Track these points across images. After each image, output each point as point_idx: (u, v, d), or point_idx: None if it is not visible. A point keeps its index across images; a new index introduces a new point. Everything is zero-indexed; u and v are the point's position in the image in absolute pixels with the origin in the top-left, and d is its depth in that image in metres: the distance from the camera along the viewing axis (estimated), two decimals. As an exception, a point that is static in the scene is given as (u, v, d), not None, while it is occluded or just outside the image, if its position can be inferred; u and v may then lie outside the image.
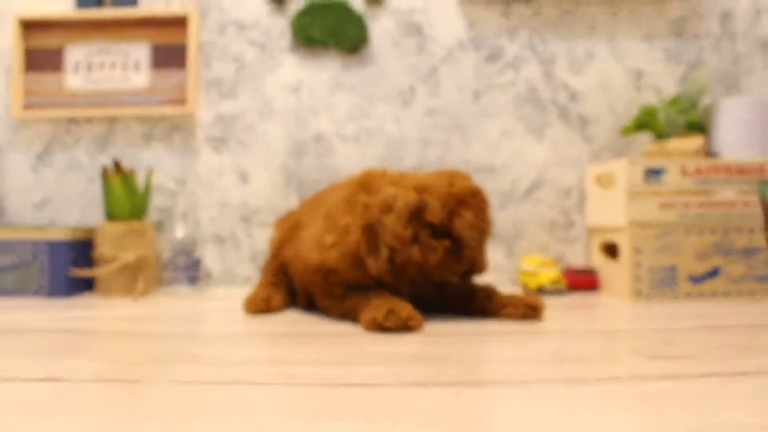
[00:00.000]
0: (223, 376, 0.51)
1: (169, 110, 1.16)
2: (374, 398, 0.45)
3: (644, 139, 1.16)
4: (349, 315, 0.78)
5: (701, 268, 0.97)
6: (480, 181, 1.17)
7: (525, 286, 1.09)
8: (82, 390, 0.48)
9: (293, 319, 0.81)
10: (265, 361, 0.57)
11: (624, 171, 0.98)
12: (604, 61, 1.19)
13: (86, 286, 1.08)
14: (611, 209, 1.03)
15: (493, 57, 1.18)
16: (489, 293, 0.82)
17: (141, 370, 0.54)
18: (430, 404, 0.44)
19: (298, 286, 0.89)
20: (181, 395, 0.46)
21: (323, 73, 1.18)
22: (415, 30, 1.18)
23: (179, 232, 1.10)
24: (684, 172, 0.98)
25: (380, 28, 1.18)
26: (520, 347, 0.63)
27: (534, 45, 1.19)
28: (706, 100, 1.10)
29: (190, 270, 1.09)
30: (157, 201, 1.18)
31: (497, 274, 1.15)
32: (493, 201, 1.16)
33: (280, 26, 1.19)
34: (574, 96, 1.18)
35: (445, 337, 0.69)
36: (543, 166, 1.17)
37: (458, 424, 0.39)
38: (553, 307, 0.92)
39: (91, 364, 0.56)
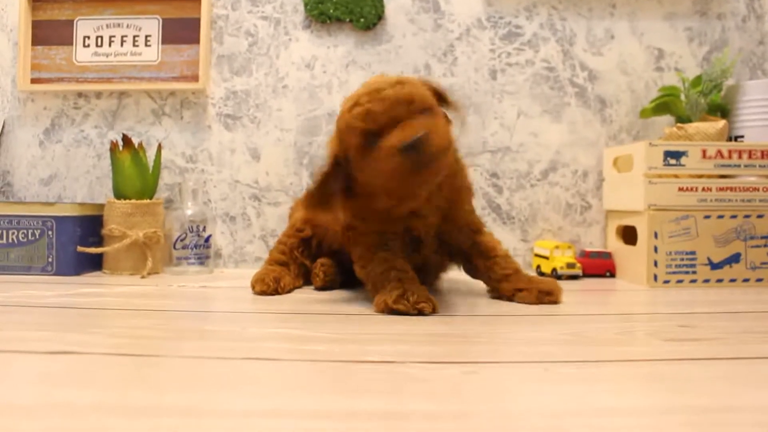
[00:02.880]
0: (237, 352, 0.53)
1: (180, 86, 1.17)
2: (389, 375, 0.47)
3: (664, 121, 1.17)
4: (369, 285, 0.79)
5: (721, 253, 0.98)
6: (496, 161, 1.18)
7: (539, 270, 1.10)
8: (96, 363, 0.49)
9: (305, 299, 0.83)
10: (279, 338, 0.59)
11: (643, 153, 0.99)
12: (624, 41, 1.19)
13: (94, 263, 1.10)
14: (629, 192, 1.04)
15: (511, 35, 1.19)
16: (507, 273, 0.83)
17: (154, 345, 0.56)
18: (444, 382, 0.45)
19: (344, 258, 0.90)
20: (196, 370, 0.47)
21: (337, 49, 1.19)
22: (431, 6, 1.19)
23: (189, 209, 1.11)
24: (705, 155, 0.99)
25: (396, 3, 1.18)
26: (536, 329, 0.65)
27: (553, 23, 1.19)
28: (729, 82, 1.10)
29: (199, 248, 1.11)
30: (166, 178, 1.20)
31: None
32: (510, 182, 1.17)
33: (293, 1, 1.19)
34: (592, 76, 1.18)
35: (462, 317, 0.70)
36: (560, 148, 1.18)
37: (472, 402, 0.41)
38: (568, 291, 0.93)
39: (103, 339, 0.58)
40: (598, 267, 1.09)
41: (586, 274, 1.08)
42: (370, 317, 0.70)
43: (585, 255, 1.09)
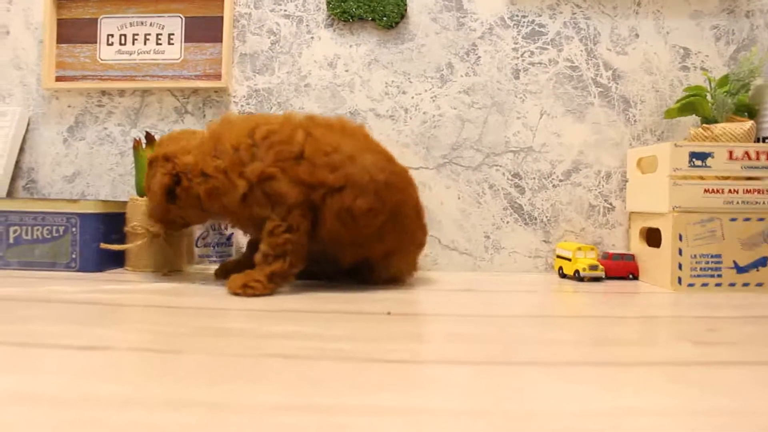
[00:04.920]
0: (258, 349, 0.54)
1: (203, 84, 1.19)
2: (407, 374, 0.48)
3: (689, 121, 1.17)
4: None
5: (747, 257, 0.98)
6: (518, 161, 1.18)
7: (561, 271, 1.10)
8: (123, 358, 0.51)
9: (321, 298, 0.84)
10: (298, 336, 0.60)
11: (668, 154, 0.99)
12: (649, 40, 1.19)
13: (116, 260, 1.12)
14: (653, 194, 1.04)
15: (534, 34, 1.19)
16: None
17: (178, 342, 0.57)
18: (463, 381, 0.46)
19: None
20: (219, 366, 0.48)
21: (360, 48, 1.20)
22: (454, 5, 1.19)
23: (211, 208, 1.13)
24: (731, 156, 0.99)
25: (419, 2, 1.19)
26: (557, 330, 0.66)
27: (577, 22, 1.19)
28: (757, 81, 1.10)
29: (221, 246, 1.13)
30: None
31: (533, 259, 1.17)
32: (532, 183, 1.18)
33: (316, 0, 1.20)
34: (616, 76, 1.19)
35: (482, 318, 0.71)
36: (583, 148, 1.18)
37: (491, 402, 0.42)
38: (591, 292, 0.94)
39: (128, 335, 0.60)
40: (621, 269, 1.09)
41: (609, 277, 1.08)
42: (388, 316, 0.71)
43: (608, 257, 1.09)
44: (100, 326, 0.63)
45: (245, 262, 0.94)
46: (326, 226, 0.86)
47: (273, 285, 0.85)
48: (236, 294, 0.83)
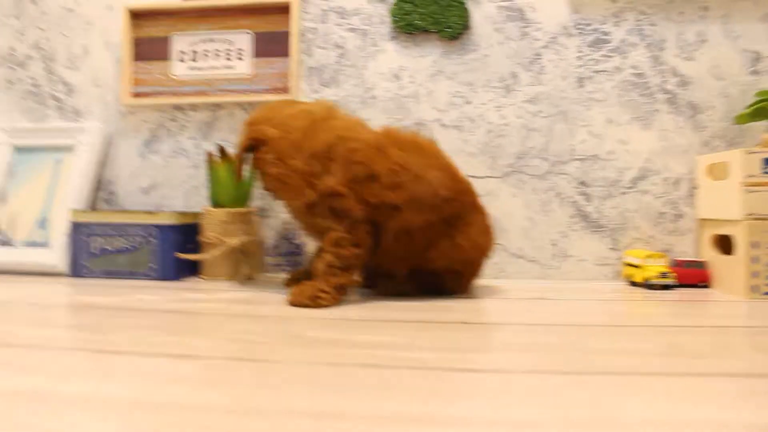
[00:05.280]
0: (348, 358, 0.56)
1: (272, 97, 1.23)
2: (492, 383, 0.49)
3: (761, 127, 1.15)
4: None
5: (826, 264, 0.96)
6: (584, 169, 1.18)
7: (630, 279, 1.10)
8: (218, 367, 0.53)
9: (390, 307, 0.86)
10: (381, 345, 0.62)
11: (740, 161, 0.98)
12: (718, 45, 1.17)
13: (191, 269, 1.16)
14: (725, 201, 1.03)
15: (599, 42, 1.19)
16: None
17: (267, 351, 0.59)
18: (546, 391, 0.47)
19: None
20: (316, 375, 0.51)
21: (424, 59, 1.22)
22: (517, 15, 1.20)
23: (281, 217, 1.17)
24: (808, 163, 0.97)
25: (482, 12, 1.21)
26: (630, 339, 0.66)
27: (642, 29, 1.19)
28: (832, 87, 1.08)
29: (292, 255, 1.16)
30: (259, 187, 1.26)
31: (601, 267, 1.17)
32: (599, 191, 1.18)
33: (380, 13, 1.23)
34: (684, 82, 1.18)
35: (555, 327, 0.72)
36: (650, 155, 1.18)
37: (574, 412, 0.43)
38: (662, 301, 0.94)
39: (216, 343, 0.62)
40: (692, 277, 1.08)
41: (680, 284, 1.07)
42: (471, 324, 0.73)
43: (678, 264, 1.09)
44: (188, 335, 0.67)
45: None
46: (385, 242, 0.89)
47: (339, 296, 0.87)
48: (304, 305, 0.85)
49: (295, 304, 0.86)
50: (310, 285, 0.87)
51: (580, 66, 1.19)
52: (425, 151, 0.92)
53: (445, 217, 0.90)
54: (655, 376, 0.52)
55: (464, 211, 0.92)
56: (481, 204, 0.96)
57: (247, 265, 1.12)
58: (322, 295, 0.86)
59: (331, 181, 0.88)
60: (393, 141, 0.91)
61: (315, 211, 0.90)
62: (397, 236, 0.88)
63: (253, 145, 0.94)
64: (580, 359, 0.57)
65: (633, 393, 0.47)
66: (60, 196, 1.25)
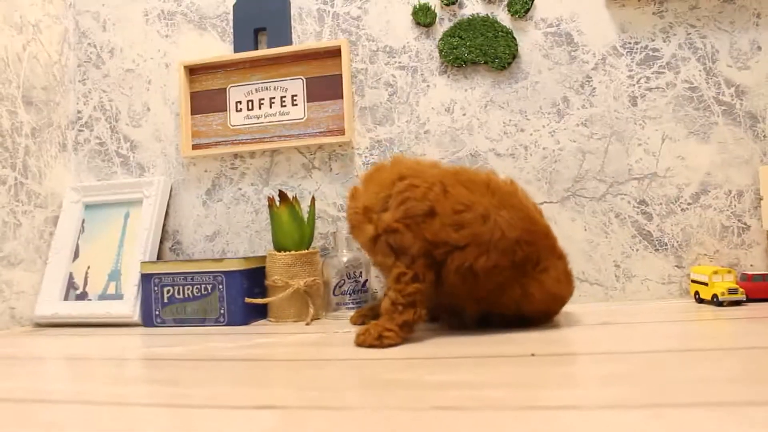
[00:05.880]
0: (426, 402, 0.57)
1: (327, 140, 1.26)
2: (566, 421, 0.49)
3: (824, 132, 1.13)
4: None
5: None
6: (643, 188, 1.18)
7: (697, 296, 1.09)
8: (301, 417, 0.55)
9: (468, 341, 0.87)
10: (458, 385, 0.63)
11: (808, 172, 0.97)
12: (772, 52, 1.16)
13: (259, 312, 1.19)
14: (794, 212, 1.02)
15: (649, 59, 1.19)
16: None
17: (345, 397, 0.61)
18: (623, 428, 0.47)
19: None
20: (402, 422, 0.52)
21: (475, 91, 1.24)
22: (564, 39, 1.22)
23: (344, 257, 1.19)
24: None
25: (529, 40, 1.23)
26: (705, 366, 0.65)
27: (692, 42, 1.18)
28: None
29: (357, 293, 1.19)
30: (320, 227, 1.29)
31: (667, 286, 1.16)
32: (659, 208, 1.18)
33: (428, 49, 1.26)
34: (740, 92, 1.17)
35: (627, 355, 0.72)
36: (710, 169, 1.17)
37: None
38: (734, 319, 0.92)
39: (294, 392, 0.64)
40: (764, 291, 1.06)
41: (751, 299, 1.06)
42: (536, 359, 0.73)
43: (747, 279, 1.07)
44: (264, 384, 0.69)
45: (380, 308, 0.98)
46: (448, 281, 0.89)
47: (404, 333, 0.88)
48: (371, 346, 0.86)
49: (361, 344, 0.87)
50: (375, 324, 0.89)
51: (632, 85, 1.19)
52: (497, 192, 0.91)
53: (516, 261, 0.88)
54: (741, 406, 0.51)
55: (539, 256, 0.90)
56: (560, 249, 0.94)
57: (313, 305, 1.15)
58: (387, 334, 0.86)
59: (388, 217, 0.90)
60: (460, 180, 0.92)
61: (376, 248, 0.92)
62: (461, 276, 0.88)
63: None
64: (656, 390, 0.57)
65: (715, 426, 0.47)
66: (129, 248, 1.31)
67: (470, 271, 0.88)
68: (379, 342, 0.86)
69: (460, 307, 0.95)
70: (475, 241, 0.87)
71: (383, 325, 0.88)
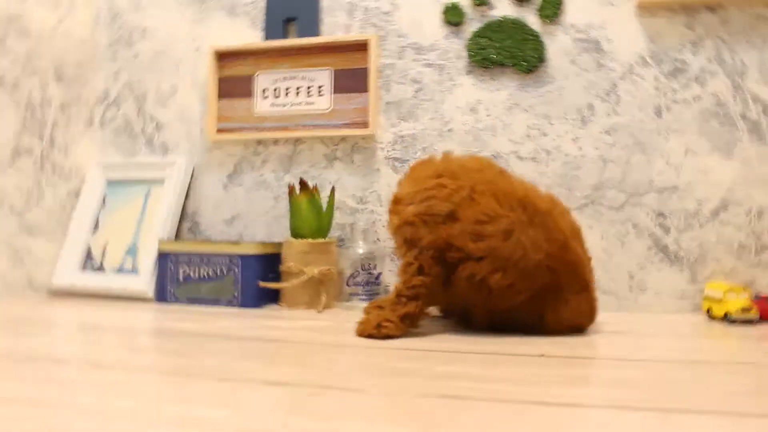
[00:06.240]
0: (436, 390, 0.58)
1: (351, 132, 1.28)
2: (573, 419, 0.50)
3: None
4: None
5: None
6: (662, 201, 1.18)
7: (709, 313, 1.09)
8: (309, 394, 0.56)
9: (477, 339, 0.87)
10: (467, 377, 0.64)
11: (830, 194, 0.97)
12: (802, 71, 1.16)
13: (271, 297, 1.21)
14: (814, 234, 1.01)
15: (677, 71, 1.19)
16: None
17: (357, 380, 0.62)
18: (625, 428, 0.48)
19: None
20: (414, 407, 0.53)
21: (500, 93, 1.25)
22: (593, 46, 1.22)
23: (360, 248, 1.21)
24: None
25: (557, 45, 1.23)
26: (713, 377, 0.66)
27: (721, 56, 1.18)
28: None
29: (370, 285, 1.20)
30: (339, 218, 1.30)
31: (679, 300, 1.17)
32: (677, 222, 1.18)
33: (456, 48, 1.27)
34: (767, 109, 1.16)
35: (636, 362, 0.73)
36: (732, 185, 1.17)
37: None
38: (745, 337, 0.92)
39: (304, 371, 0.66)
40: (776, 312, 1.06)
41: (763, 319, 1.06)
42: (547, 358, 0.74)
43: (762, 299, 1.07)
44: (273, 362, 0.70)
45: None
46: (458, 287, 0.87)
47: (404, 326, 0.87)
48: (370, 336, 0.86)
49: (360, 334, 0.87)
50: (376, 314, 0.89)
51: (658, 96, 1.20)
52: (529, 207, 0.87)
53: (536, 286, 0.85)
54: (751, 418, 0.52)
55: (561, 287, 0.87)
56: (587, 279, 0.91)
57: (325, 294, 1.16)
58: (387, 324, 0.86)
59: (409, 211, 0.90)
60: (493, 189, 0.88)
61: (396, 238, 0.93)
62: (474, 286, 0.86)
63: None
64: (663, 396, 0.58)
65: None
66: (148, 226, 1.33)
67: (483, 284, 0.85)
68: (377, 331, 0.86)
69: (470, 312, 0.94)
70: (493, 255, 0.84)
71: (384, 316, 0.87)
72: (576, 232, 0.93)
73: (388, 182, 1.29)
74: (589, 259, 0.95)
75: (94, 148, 1.46)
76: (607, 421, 0.51)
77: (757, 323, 1.04)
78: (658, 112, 1.20)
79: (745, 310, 1.02)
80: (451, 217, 0.87)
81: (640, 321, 1.07)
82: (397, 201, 0.94)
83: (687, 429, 0.49)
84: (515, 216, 0.86)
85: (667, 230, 1.18)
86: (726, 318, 1.04)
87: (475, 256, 0.85)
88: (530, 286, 0.86)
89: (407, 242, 0.90)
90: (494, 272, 0.85)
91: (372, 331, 0.86)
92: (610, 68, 1.22)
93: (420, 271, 0.87)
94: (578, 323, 0.91)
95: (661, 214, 1.18)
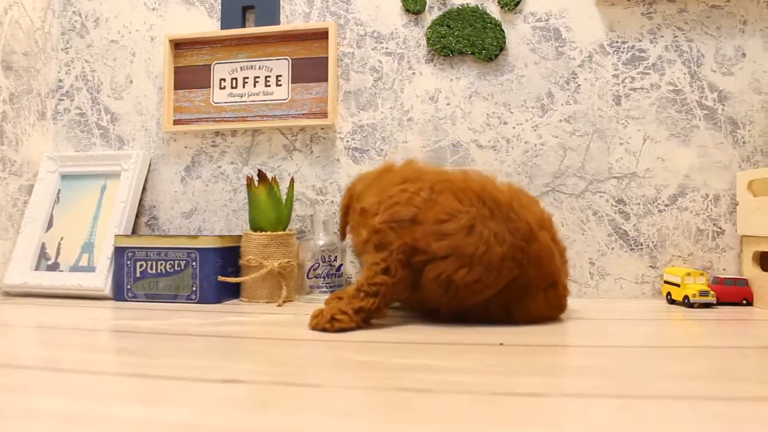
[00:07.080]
0: (394, 382, 0.58)
1: (310, 122, 1.27)
2: (540, 408, 0.50)
3: (803, 141, 1.15)
4: None
5: None
6: (621, 187, 1.20)
7: (669, 297, 1.11)
8: (267, 392, 0.55)
9: (437, 329, 0.87)
10: (424, 369, 0.64)
11: (783, 178, 0.99)
12: (757, 59, 1.18)
13: (232, 291, 1.20)
14: (767, 217, 1.03)
15: (635, 59, 1.21)
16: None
17: (313, 375, 0.62)
18: (597, 415, 0.48)
19: None
20: (369, 400, 0.53)
21: (460, 81, 1.25)
22: (552, 35, 1.23)
23: (321, 240, 1.20)
24: None
25: (517, 33, 1.23)
26: (673, 362, 0.67)
27: (679, 45, 1.20)
28: None
29: (331, 277, 1.19)
30: (298, 210, 1.30)
31: (640, 285, 1.18)
32: (636, 208, 1.19)
33: (416, 36, 1.27)
34: (722, 97, 1.19)
35: (598, 349, 0.74)
36: (689, 172, 1.18)
37: None
38: (703, 320, 0.94)
39: (262, 368, 0.65)
40: (733, 294, 1.08)
41: (721, 302, 1.08)
42: (514, 347, 0.74)
43: (719, 282, 1.09)
44: (233, 359, 0.69)
45: None
46: (427, 289, 0.87)
47: (358, 318, 0.87)
48: (324, 330, 0.85)
49: (314, 328, 0.87)
50: (331, 306, 0.88)
51: (617, 84, 1.21)
52: (489, 201, 0.88)
53: (502, 280, 0.86)
54: (706, 401, 0.52)
55: (530, 279, 0.88)
56: (556, 274, 0.91)
57: (286, 287, 1.15)
58: (340, 317, 0.86)
59: (375, 221, 0.91)
60: (451, 187, 0.90)
61: (366, 248, 0.93)
62: (441, 286, 0.85)
63: (347, 198, 1.07)
64: (624, 383, 0.58)
65: (677, 417, 0.48)
66: (104, 221, 1.31)
67: (450, 282, 0.85)
68: (330, 325, 0.85)
69: (440, 313, 0.93)
70: (457, 252, 0.84)
71: (339, 308, 0.87)
72: (544, 222, 0.93)
73: (347, 173, 1.28)
74: (564, 249, 0.96)
75: (47, 142, 1.43)
76: (568, 410, 0.51)
77: (715, 306, 1.06)
78: (617, 100, 1.21)
79: (703, 293, 1.05)
80: (414, 221, 0.88)
81: (602, 307, 1.08)
82: (364, 213, 0.96)
83: (647, 415, 0.49)
84: (475, 211, 0.86)
85: (626, 217, 1.20)
86: (685, 302, 1.06)
87: (440, 255, 0.85)
88: (497, 281, 0.86)
89: (377, 247, 0.91)
90: (460, 269, 0.85)
91: (325, 325, 0.85)
92: (570, 56, 1.22)
93: (386, 271, 0.88)
94: (548, 315, 0.92)
95: (620, 201, 1.20)
